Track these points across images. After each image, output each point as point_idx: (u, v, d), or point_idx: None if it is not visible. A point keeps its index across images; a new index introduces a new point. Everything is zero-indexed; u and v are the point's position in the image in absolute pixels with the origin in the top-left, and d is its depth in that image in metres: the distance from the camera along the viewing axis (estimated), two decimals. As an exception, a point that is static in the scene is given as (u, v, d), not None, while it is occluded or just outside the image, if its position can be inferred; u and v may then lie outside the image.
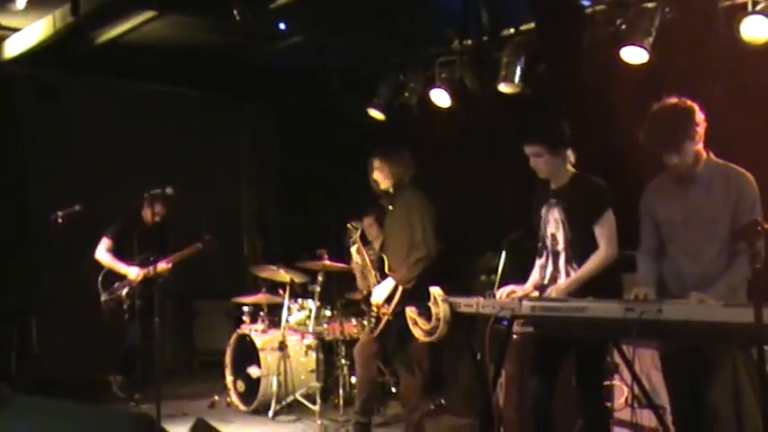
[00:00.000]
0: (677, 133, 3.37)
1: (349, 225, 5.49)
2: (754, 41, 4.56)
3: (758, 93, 4.67)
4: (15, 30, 6.63)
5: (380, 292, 4.98)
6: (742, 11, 4.63)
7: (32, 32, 6.45)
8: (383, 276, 5.04)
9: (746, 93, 4.74)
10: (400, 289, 4.87)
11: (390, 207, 5.08)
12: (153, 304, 5.25)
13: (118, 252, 6.36)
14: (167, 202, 6.28)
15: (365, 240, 5.79)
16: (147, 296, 5.93)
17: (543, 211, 3.98)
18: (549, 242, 3.96)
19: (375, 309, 5.02)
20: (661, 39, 4.95)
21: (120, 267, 6.32)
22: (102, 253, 6.38)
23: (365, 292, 6.04)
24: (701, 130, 3.40)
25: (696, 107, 3.41)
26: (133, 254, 6.29)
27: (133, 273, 6.23)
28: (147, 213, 6.33)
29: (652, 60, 4.96)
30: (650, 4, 5.03)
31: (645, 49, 4.96)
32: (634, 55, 5.05)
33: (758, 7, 4.56)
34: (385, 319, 4.93)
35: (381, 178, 4.99)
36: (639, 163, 3.84)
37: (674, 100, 3.44)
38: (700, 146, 3.43)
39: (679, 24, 4.98)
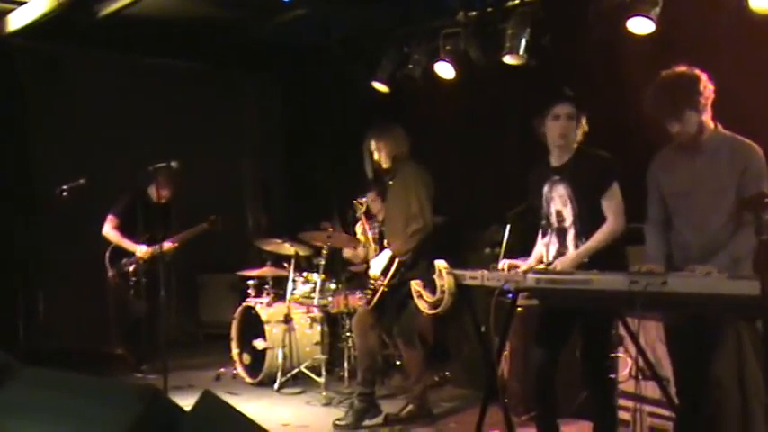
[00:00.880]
0: (679, 101, 3.33)
1: (355, 201, 5.53)
2: (763, 11, 4.50)
3: (766, 63, 4.62)
4: (19, 3, 6.58)
5: (378, 264, 5.06)
6: (750, -20, 4.57)
7: (36, 5, 6.40)
8: (383, 250, 5.09)
9: (754, 63, 4.69)
10: (396, 261, 4.92)
11: (390, 182, 5.12)
12: (159, 281, 5.31)
13: (124, 229, 6.39)
14: (173, 184, 6.28)
15: (369, 215, 5.80)
16: (153, 273, 5.99)
17: (545, 189, 3.92)
18: (554, 219, 3.91)
19: (372, 280, 5.08)
20: (668, 9, 4.89)
21: (128, 244, 6.37)
22: (109, 230, 6.44)
23: (356, 262, 6.11)
24: (705, 99, 3.35)
25: (702, 76, 3.36)
26: (138, 231, 6.32)
27: (141, 250, 6.28)
28: (152, 192, 6.35)
29: (659, 31, 4.91)
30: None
31: (651, 19, 4.90)
32: (640, 26, 4.98)
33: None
34: (380, 290, 4.99)
35: (379, 157, 5.03)
36: (645, 135, 3.81)
37: (681, 68, 3.39)
38: (705, 116, 3.38)
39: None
